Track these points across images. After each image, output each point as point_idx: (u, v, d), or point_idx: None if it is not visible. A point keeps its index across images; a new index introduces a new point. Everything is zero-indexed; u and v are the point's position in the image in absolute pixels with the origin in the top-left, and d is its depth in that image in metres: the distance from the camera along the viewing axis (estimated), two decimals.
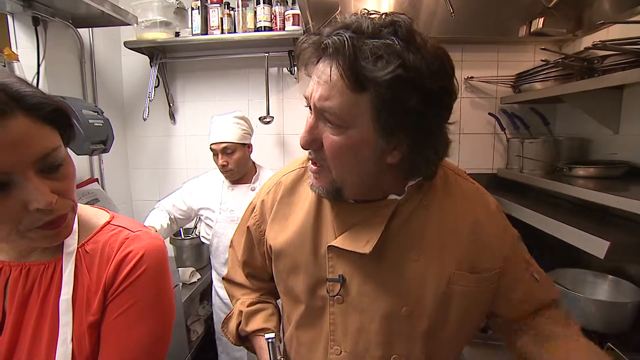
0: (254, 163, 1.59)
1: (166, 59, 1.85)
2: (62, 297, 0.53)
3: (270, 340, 0.65)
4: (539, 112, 1.66)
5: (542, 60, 1.39)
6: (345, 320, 0.65)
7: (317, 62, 0.55)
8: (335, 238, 0.65)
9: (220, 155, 1.44)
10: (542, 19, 1.54)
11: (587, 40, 1.52)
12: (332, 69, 0.51)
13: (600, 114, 1.35)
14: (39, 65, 1.45)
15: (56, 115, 0.48)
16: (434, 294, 0.62)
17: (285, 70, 1.85)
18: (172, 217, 1.55)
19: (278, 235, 0.71)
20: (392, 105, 0.51)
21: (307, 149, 0.60)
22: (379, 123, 0.53)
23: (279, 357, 0.68)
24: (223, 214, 1.50)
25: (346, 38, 0.49)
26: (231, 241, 0.88)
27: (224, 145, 1.42)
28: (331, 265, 0.65)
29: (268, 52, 1.72)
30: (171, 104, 1.92)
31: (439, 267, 0.62)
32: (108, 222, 0.61)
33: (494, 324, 0.74)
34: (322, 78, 0.53)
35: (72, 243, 0.56)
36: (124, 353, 0.54)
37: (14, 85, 0.44)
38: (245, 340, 0.81)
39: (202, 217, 1.58)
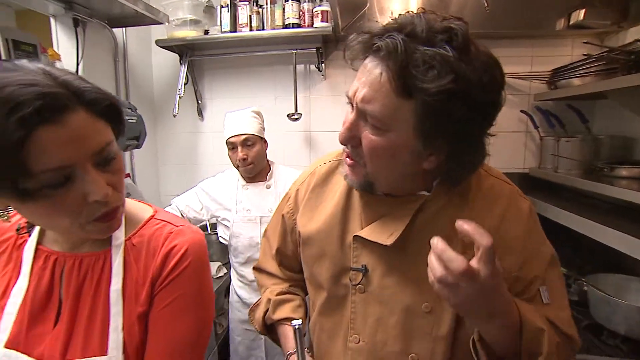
0: (267, 160, 1.57)
1: (195, 56, 1.88)
2: (112, 288, 0.55)
3: (297, 326, 0.66)
4: (577, 109, 1.58)
5: (583, 55, 1.32)
6: (366, 310, 0.66)
7: (365, 59, 0.55)
8: (362, 228, 0.66)
9: (240, 148, 1.41)
10: (584, 10, 1.46)
11: (634, 33, 1.43)
12: (381, 72, 0.51)
13: None
14: (77, 64, 1.51)
15: (110, 111, 0.50)
16: None
17: (312, 67, 1.84)
18: (185, 217, 1.55)
19: (307, 223, 0.74)
20: (437, 116, 0.50)
21: (345, 145, 0.61)
22: (421, 130, 0.52)
23: (304, 346, 0.69)
24: (240, 214, 1.47)
25: (399, 42, 0.48)
26: (265, 231, 0.90)
27: (244, 137, 1.41)
28: (355, 255, 0.66)
29: (296, 49, 1.72)
30: (199, 101, 1.96)
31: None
32: (152, 217, 0.63)
33: None
34: (368, 78, 0.53)
35: (119, 236, 0.58)
36: (171, 343, 0.56)
37: (74, 82, 0.46)
38: (270, 329, 0.83)
39: (218, 219, 1.56)
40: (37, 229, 0.60)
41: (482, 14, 1.61)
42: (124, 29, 1.79)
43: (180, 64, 1.84)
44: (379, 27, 0.53)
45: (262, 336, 1.48)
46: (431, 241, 0.49)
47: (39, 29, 1.53)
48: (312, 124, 1.91)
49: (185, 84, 1.86)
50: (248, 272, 1.45)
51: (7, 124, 0.39)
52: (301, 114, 1.80)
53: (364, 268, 0.66)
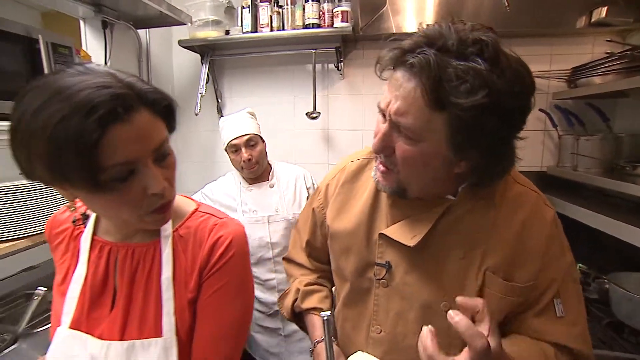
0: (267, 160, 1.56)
1: (215, 56, 1.92)
2: (163, 276, 0.59)
3: (326, 318, 0.68)
4: (597, 108, 1.58)
5: (606, 53, 1.32)
6: (388, 303, 0.70)
7: (394, 70, 0.57)
8: (388, 227, 0.70)
9: (244, 150, 1.40)
10: (606, 8, 1.46)
11: None
12: (414, 86, 0.52)
13: None
14: (105, 65, 1.57)
15: (167, 111, 0.54)
16: (472, 293, 0.63)
17: (331, 66, 1.87)
18: None
19: (336, 218, 0.77)
20: (470, 127, 0.52)
21: (378, 154, 0.63)
22: (453, 140, 0.54)
23: (332, 336, 0.73)
24: (246, 215, 1.46)
25: (432, 57, 0.50)
26: (296, 223, 0.94)
27: (247, 137, 1.40)
28: (380, 252, 0.70)
29: (315, 49, 1.74)
30: (219, 100, 2.01)
31: (479, 268, 0.63)
32: (196, 210, 0.67)
33: None
34: (401, 92, 0.54)
35: (167, 227, 0.62)
36: (217, 327, 0.60)
37: (137, 84, 0.50)
38: (298, 317, 0.87)
39: None
40: (91, 221, 0.65)
41: (500, 13, 1.62)
42: (147, 30, 1.84)
43: (202, 63, 1.89)
44: (409, 42, 0.55)
45: (280, 334, 1.53)
46: (421, 334, 0.52)
47: (63, 30, 1.59)
48: (330, 123, 1.93)
49: (205, 83, 1.90)
50: (261, 271, 1.47)
51: (86, 124, 0.43)
52: (320, 113, 1.83)
53: (388, 264, 0.69)
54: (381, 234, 0.69)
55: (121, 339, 0.57)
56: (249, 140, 1.41)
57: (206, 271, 0.60)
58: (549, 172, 1.72)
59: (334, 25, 1.64)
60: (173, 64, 2.09)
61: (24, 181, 1.04)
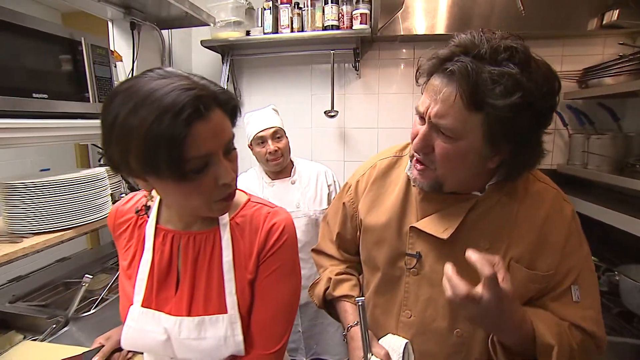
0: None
1: (235, 56, 1.98)
2: (225, 259, 0.66)
3: (361, 303, 0.73)
4: (609, 108, 1.63)
5: (619, 55, 1.37)
6: (418, 290, 0.76)
7: (432, 76, 0.63)
8: (418, 220, 0.75)
9: (270, 142, 1.44)
10: (617, 10, 1.51)
11: None
12: (453, 92, 0.59)
13: None
14: (133, 65, 1.64)
15: (233, 110, 0.60)
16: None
17: (347, 66, 1.93)
18: None
19: (369, 212, 0.83)
20: (504, 125, 0.58)
21: (418, 153, 0.69)
22: (489, 137, 0.61)
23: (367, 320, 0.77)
24: None
25: (469, 65, 0.57)
26: (325, 217, 1.00)
27: (274, 129, 1.44)
28: (411, 243, 0.76)
29: (334, 49, 1.80)
30: (238, 98, 2.07)
31: (503, 258, 0.69)
32: (249, 200, 0.73)
33: None
34: (440, 96, 0.61)
35: (225, 216, 0.68)
36: (274, 304, 0.67)
37: (210, 86, 0.56)
38: (328, 304, 0.93)
39: None
40: (154, 211, 0.71)
41: (512, 15, 1.67)
42: (169, 30, 1.91)
43: (223, 62, 1.95)
44: (445, 51, 0.61)
45: (299, 330, 1.60)
46: (444, 267, 0.60)
47: (85, 30, 1.65)
48: (346, 121, 2.00)
49: (225, 82, 1.97)
50: None
51: (176, 122, 0.49)
52: (337, 111, 1.89)
53: (418, 254, 0.74)
54: (413, 227, 0.75)
55: (188, 316, 0.64)
56: (275, 132, 1.45)
57: (263, 254, 0.67)
58: (559, 170, 1.77)
59: (353, 27, 1.70)
60: (192, 63, 2.15)
61: (72, 174, 1.11)
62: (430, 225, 0.73)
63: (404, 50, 1.91)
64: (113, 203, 1.37)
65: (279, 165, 1.50)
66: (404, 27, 1.75)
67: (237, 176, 0.62)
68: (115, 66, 1.42)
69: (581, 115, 1.71)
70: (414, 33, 1.73)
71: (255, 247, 0.66)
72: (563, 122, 1.76)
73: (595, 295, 0.71)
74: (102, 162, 1.71)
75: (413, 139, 0.69)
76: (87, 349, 0.86)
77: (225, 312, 0.64)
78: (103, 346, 0.86)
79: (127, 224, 0.73)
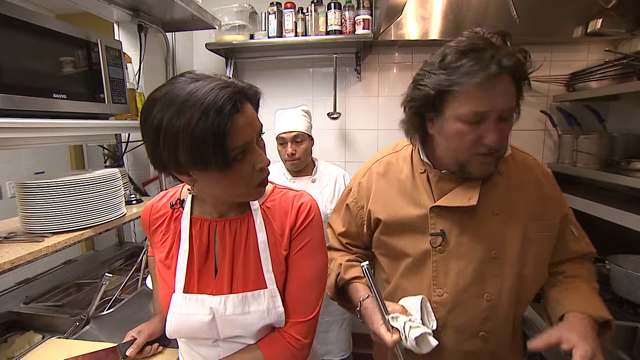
0: (312, 156, 1.67)
1: (238, 58, 2.02)
2: (260, 240, 0.71)
3: (366, 267, 0.73)
4: (594, 110, 1.75)
5: (605, 61, 1.48)
6: (446, 267, 0.81)
7: (485, 79, 0.68)
8: (434, 200, 0.82)
9: (289, 145, 1.50)
10: (601, 19, 1.63)
11: None
12: (511, 80, 0.69)
13: None
14: (140, 66, 1.65)
15: (258, 102, 0.65)
16: (515, 239, 0.80)
17: (348, 69, 1.99)
18: None
19: (385, 209, 0.88)
20: (521, 91, 0.73)
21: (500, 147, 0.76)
22: (517, 105, 0.74)
23: (377, 283, 0.80)
24: None
25: (514, 55, 0.68)
26: (328, 223, 1.05)
27: (294, 134, 1.50)
28: (432, 223, 0.81)
29: (336, 53, 1.86)
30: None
31: (515, 218, 0.80)
32: (275, 187, 0.78)
33: None
34: (502, 89, 0.69)
35: (255, 203, 0.73)
36: (306, 275, 0.72)
37: (238, 83, 0.61)
38: (340, 292, 0.95)
39: None
40: (188, 204, 0.74)
41: (504, 22, 1.76)
42: (173, 33, 1.93)
43: (227, 65, 1.98)
44: (484, 54, 0.68)
45: None
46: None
47: None
48: (347, 123, 2.06)
49: None
50: None
51: (220, 118, 0.54)
52: (340, 114, 1.95)
53: (442, 232, 0.80)
54: (434, 207, 0.81)
55: (230, 294, 0.68)
56: (295, 136, 1.51)
57: (294, 231, 0.72)
58: (550, 168, 1.87)
59: (356, 32, 1.76)
60: (194, 66, 2.17)
61: (88, 174, 1.12)
62: (452, 200, 0.79)
63: (402, 55, 1.98)
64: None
65: (296, 167, 1.57)
66: (400, 33, 1.83)
67: (269, 163, 0.67)
68: (127, 68, 1.43)
69: (569, 117, 1.82)
70: (408, 38, 1.82)
71: (287, 226, 0.72)
72: (553, 123, 1.87)
73: (579, 225, 0.90)
74: (107, 164, 1.71)
75: (469, 142, 0.73)
76: (121, 342, 0.88)
77: (265, 287, 0.69)
78: (136, 339, 0.88)
79: (162, 218, 0.76)
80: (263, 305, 0.68)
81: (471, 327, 0.81)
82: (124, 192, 1.36)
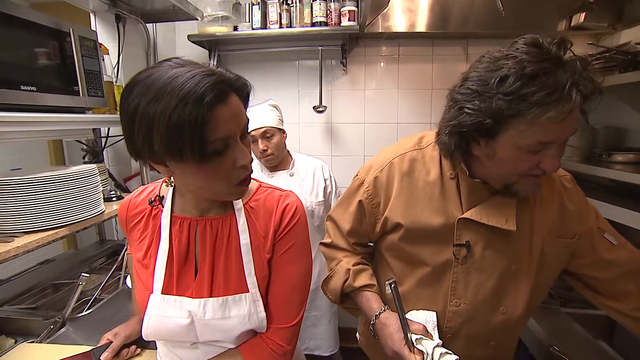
0: (287, 150, 1.64)
1: (222, 51, 1.96)
2: (242, 242, 0.68)
3: (394, 285, 0.73)
4: None
5: (588, 55, 1.50)
6: (467, 278, 0.78)
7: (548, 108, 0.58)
8: (462, 210, 0.76)
9: (260, 141, 1.48)
10: (584, 13, 1.64)
11: (627, 34, 1.62)
12: (577, 106, 0.58)
13: None
14: (119, 58, 1.59)
15: (247, 96, 0.62)
16: (534, 255, 0.76)
17: (334, 62, 1.96)
18: None
19: (407, 213, 0.80)
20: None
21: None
22: None
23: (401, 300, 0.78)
24: None
25: (594, 86, 0.58)
26: (329, 216, 0.98)
27: (263, 129, 1.46)
28: (459, 234, 0.77)
29: (322, 46, 1.83)
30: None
31: (538, 233, 0.76)
32: (260, 186, 0.75)
33: (585, 285, 0.84)
34: (575, 120, 0.60)
35: (238, 202, 0.70)
36: (289, 280, 0.69)
37: (225, 73, 0.57)
38: (345, 297, 0.91)
39: None
40: (168, 200, 0.71)
41: (489, 16, 1.77)
42: (154, 24, 1.86)
43: (210, 58, 1.92)
44: (562, 80, 0.57)
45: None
46: None
47: None
48: (333, 116, 2.03)
49: None
50: None
51: (199, 107, 0.51)
52: (326, 107, 1.92)
53: (467, 244, 0.76)
54: (462, 219, 0.75)
55: (210, 297, 0.65)
56: (264, 132, 1.48)
57: (278, 233, 0.69)
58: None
59: (341, 24, 1.73)
60: None
61: (63, 171, 1.07)
62: (487, 217, 0.74)
63: (389, 47, 1.97)
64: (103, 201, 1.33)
65: (270, 163, 1.54)
66: (387, 25, 1.81)
67: (252, 160, 0.64)
68: (103, 59, 1.37)
69: None
70: (395, 30, 1.80)
71: (271, 228, 0.69)
72: None
73: (615, 231, 0.82)
74: (86, 160, 1.65)
75: (524, 168, 0.66)
76: (95, 346, 0.85)
77: (247, 291, 0.66)
78: (111, 342, 0.85)
79: (140, 215, 0.73)
80: (244, 310, 0.65)
81: (483, 337, 0.80)
82: (102, 188, 1.31)
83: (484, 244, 0.76)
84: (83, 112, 1.26)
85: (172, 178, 0.68)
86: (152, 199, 0.73)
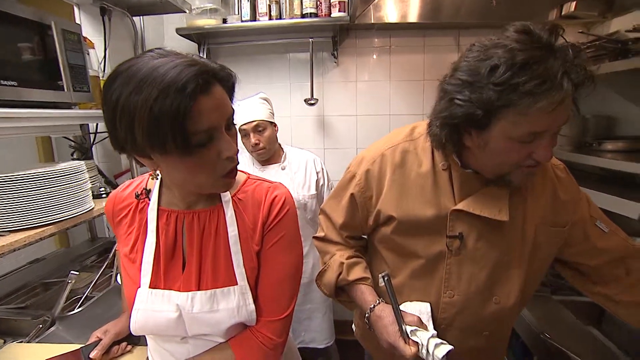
0: (279, 143, 1.63)
1: (211, 44, 1.93)
2: (231, 234, 0.67)
3: (387, 278, 0.73)
4: None
5: (579, 43, 1.49)
6: (460, 270, 0.78)
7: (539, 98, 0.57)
8: (454, 202, 0.76)
9: (252, 135, 1.46)
10: (575, 2, 1.63)
11: (617, 23, 1.62)
12: (569, 94, 0.57)
13: (631, 92, 1.47)
14: (105, 52, 1.55)
15: (232, 87, 0.61)
16: (527, 245, 0.76)
17: (325, 54, 1.94)
18: None
19: (400, 204, 0.79)
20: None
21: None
22: None
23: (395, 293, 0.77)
24: None
25: (576, 69, 0.57)
26: (322, 210, 0.97)
27: (255, 123, 1.45)
28: (451, 225, 0.76)
29: (313, 37, 1.81)
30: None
31: (530, 223, 0.76)
32: (248, 178, 0.74)
33: (575, 273, 0.85)
34: (567, 109, 0.60)
35: (226, 194, 0.69)
36: (278, 272, 0.69)
37: (209, 63, 0.56)
38: (339, 291, 0.91)
39: None
40: (155, 194, 0.70)
41: (482, 4, 1.76)
42: (141, 17, 1.82)
43: (199, 51, 1.89)
44: (553, 69, 0.56)
45: None
46: None
47: None
48: (325, 109, 2.02)
49: None
50: None
51: (181, 97, 0.50)
52: (317, 99, 1.91)
53: (460, 235, 0.75)
54: (455, 210, 0.74)
55: (198, 290, 0.65)
56: (256, 126, 1.46)
57: (267, 225, 0.68)
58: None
59: (332, 15, 1.71)
60: None
61: (50, 168, 1.05)
62: (480, 208, 0.73)
63: (380, 39, 1.95)
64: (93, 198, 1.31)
65: (262, 156, 1.53)
66: (378, 16, 1.79)
67: (238, 152, 0.63)
68: (89, 54, 1.34)
69: None
70: (386, 21, 1.78)
71: (260, 219, 0.68)
72: None
73: (607, 218, 0.82)
74: (74, 156, 1.62)
75: (517, 158, 0.65)
76: (84, 344, 0.84)
77: (235, 284, 0.66)
78: (101, 340, 0.84)
79: (127, 209, 0.72)
80: (233, 303, 0.65)
81: (477, 327, 0.80)
82: (91, 185, 1.29)
83: (477, 235, 0.76)
84: (69, 108, 1.24)
85: (157, 171, 0.66)
86: (139, 193, 0.71)
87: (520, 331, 1.20)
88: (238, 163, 0.63)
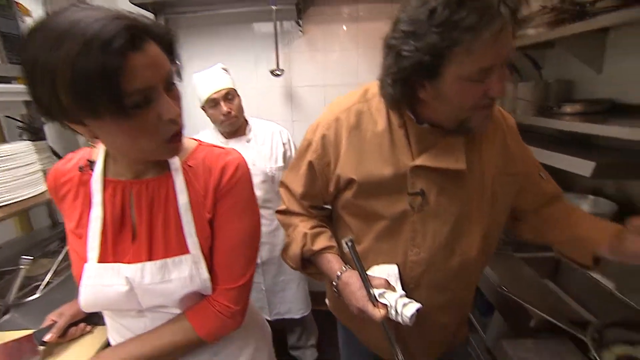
0: (244, 115, 1.58)
1: (169, 14, 1.82)
2: (180, 202, 0.65)
3: (350, 243, 0.72)
4: (532, 58, 1.80)
5: (542, 7, 1.50)
6: (424, 227, 0.78)
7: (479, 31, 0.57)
8: (412, 158, 0.75)
9: (223, 103, 1.41)
10: None
11: None
12: (508, 23, 0.57)
13: (586, 55, 1.51)
14: None
15: (169, 45, 0.56)
16: (486, 195, 0.78)
17: (291, 23, 1.87)
18: None
19: (358, 168, 0.78)
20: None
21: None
22: None
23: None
24: None
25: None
26: (282, 182, 0.95)
27: (225, 91, 1.41)
28: (412, 182, 0.76)
29: (275, 5, 1.73)
30: (177, 63, 1.92)
31: (488, 172, 0.78)
32: (200, 144, 0.72)
33: (528, 227, 0.91)
34: (507, 36, 0.59)
35: (175, 161, 0.66)
36: (232, 239, 0.67)
37: (139, 18, 0.52)
38: (306, 263, 0.89)
39: None
40: (100, 164, 0.66)
41: None
42: None
43: None
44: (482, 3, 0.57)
45: (262, 288, 1.63)
46: None
47: None
48: (292, 80, 1.96)
49: None
50: None
51: (106, 53, 0.46)
52: (283, 70, 1.85)
53: (422, 191, 0.75)
54: (414, 166, 0.74)
55: (149, 261, 0.63)
56: (227, 94, 1.42)
57: (219, 192, 0.66)
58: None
59: None
60: None
61: None
62: (437, 160, 0.74)
63: (346, 6, 1.89)
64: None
65: (233, 126, 1.48)
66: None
67: (182, 114, 0.59)
68: (24, 22, 1.22)
69: (510, 65, 1.86)
70: None
71: (211, 186, 0.66)
72: None
73: (542, 167, 0.90)
74: (24, 137, 1.51)
75: (473, 99, 0.65)
76: (37, 329, 0.80)
77: (188, 252, 0.64)
78: (56, 323, 0.81)
79: (70, 184, 0.68)
80: (185, 272, 0.63)
81: (443, 283, 0.81)
82: (41, 166, 1.21)
83: (438, 190, 0.77)
84: (8, 82, 1.14)
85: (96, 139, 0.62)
86: (82, 165, 0.67)
87: (484, 288, 1.26)
88: (183, 126, 0.60)
